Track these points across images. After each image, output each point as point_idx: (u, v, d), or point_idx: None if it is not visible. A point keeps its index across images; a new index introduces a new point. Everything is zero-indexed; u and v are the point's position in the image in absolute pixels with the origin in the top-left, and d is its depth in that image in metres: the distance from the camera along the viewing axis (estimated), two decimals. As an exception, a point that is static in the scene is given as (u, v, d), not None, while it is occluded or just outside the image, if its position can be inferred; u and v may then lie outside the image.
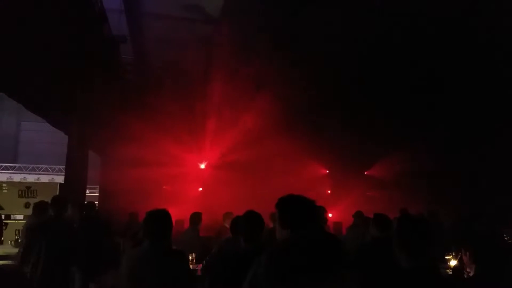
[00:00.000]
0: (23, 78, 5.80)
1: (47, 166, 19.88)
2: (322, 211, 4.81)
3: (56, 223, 5.07)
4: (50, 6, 4.89)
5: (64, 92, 6.75)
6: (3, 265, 6.03)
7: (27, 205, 9.11)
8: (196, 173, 11.31)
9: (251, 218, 3.42)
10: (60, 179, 15.95)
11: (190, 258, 5.84)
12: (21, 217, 9.18)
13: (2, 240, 8.17)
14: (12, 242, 7.91)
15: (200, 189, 11.30)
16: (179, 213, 10.19)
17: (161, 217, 3.40)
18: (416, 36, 8.06)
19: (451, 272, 5.32)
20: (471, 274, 3.09)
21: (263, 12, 7.80)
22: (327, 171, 12.30)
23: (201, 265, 5.69)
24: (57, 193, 9.10)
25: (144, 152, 8.98)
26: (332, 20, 7.78)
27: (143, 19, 8.25)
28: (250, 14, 7.86)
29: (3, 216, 9.00)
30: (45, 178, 18.90)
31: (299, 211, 2.42)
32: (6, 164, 20.03)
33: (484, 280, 2.92)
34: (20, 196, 9.27)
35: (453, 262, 5.59)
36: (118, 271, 3.40)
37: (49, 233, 4.83)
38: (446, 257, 5.77)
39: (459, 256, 4.72)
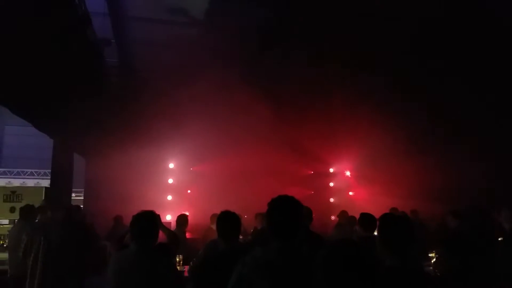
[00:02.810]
0: (7, 81, 5.74)
1: (32, 170, 19.66)
2: (309, 211, 4.86)
3: (54, 224, 5.42)
4: (32, 9, 4.86)
5: (48, 96, 6.70)
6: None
7: (12, 210, 8.99)
8: (183, 175, 11.29)
9: (226, 219, 3.45)
10: (45, 183, 15.78)
11: (177, 259, 5.86)
12: (6, 221, 9.06)
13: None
14: (-3, 247, 7.83)
15: (189, 191, 11.27)
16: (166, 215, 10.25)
17: (148, 219, 3.41)
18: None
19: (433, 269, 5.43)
20: (447, 271, 3.14)
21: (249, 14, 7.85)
22: (312, 172, 12.41)
23: (187, 266, 5.71)
24: (43, 197, 9.01)
25: (130, 156, 8.94)
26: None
27: (128, 22, 8.23)
28: (236, 16, 7.90)
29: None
30: (30, 182, 18.73)
31: (282, 221, 2.43)
32: (-9, 169, 19.77)
33: (458, 277, 2.98)
34: (5, 200, 9.15)
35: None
36: (105, 274, 3.41)
37: (48, 232, 5.21)
38: (429, 255, 5.89)
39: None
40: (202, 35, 8.52)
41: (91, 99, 7.29)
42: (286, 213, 2.43)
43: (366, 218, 5.55)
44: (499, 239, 6.78)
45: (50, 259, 5.06)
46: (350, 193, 12.51)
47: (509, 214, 5.27)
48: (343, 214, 8.37)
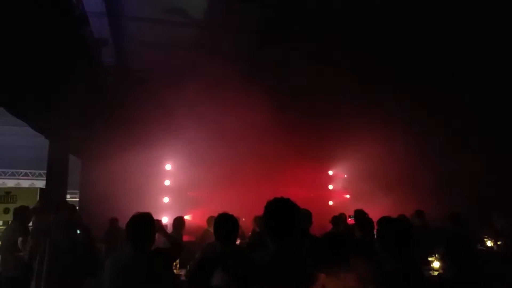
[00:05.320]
0: (3, 81, 5.68)
1: (27, 171, 19.51)
2: (308, 214, 4.82)
3: (59, 225, 5.45)
4: (29, 9, 4.81)
5: (45, 96, 6.64)
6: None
7: (6, 211, 8.89)
8: (180, 177, 11.18)
9: (224, 221, 3.41)
10: (40, 183, 15.67)
11: (174, 263, 5.79)
12: (0, 223, 8.96)
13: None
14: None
15: (188, 193, 11.17)
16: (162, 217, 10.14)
17: (144, 221, 3.37)
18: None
19: (433, 273, 5.39)
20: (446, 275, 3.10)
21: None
22: (311, 174, 12.31)
23: (184, 270, 5.65)
24: (37, 198, 8.91)
25: (126, 156, 8.86)
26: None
27: (125, 22, 8.18)
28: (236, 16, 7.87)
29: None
30: (25, 183, 18.58)
31: (278, 224, 2.41)
32: (-15, 170, 19.60)
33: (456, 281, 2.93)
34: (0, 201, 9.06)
35: (436, 264, 5.67)
36: (100, 276, 3.37)
37: (52, 233, 5.28)
38: (429, 259, 5.85)
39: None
40: (200, 36, 8.47)
41: (88, 99, 7.24)
42: (282, 216, 2.40)
43: (364, 221, 5.53)
44: (499, 243, 6.82)
45: (57, 260, 5.07)
46: (347, 195, 12.46)
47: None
48: (341, 217, 8.36)
